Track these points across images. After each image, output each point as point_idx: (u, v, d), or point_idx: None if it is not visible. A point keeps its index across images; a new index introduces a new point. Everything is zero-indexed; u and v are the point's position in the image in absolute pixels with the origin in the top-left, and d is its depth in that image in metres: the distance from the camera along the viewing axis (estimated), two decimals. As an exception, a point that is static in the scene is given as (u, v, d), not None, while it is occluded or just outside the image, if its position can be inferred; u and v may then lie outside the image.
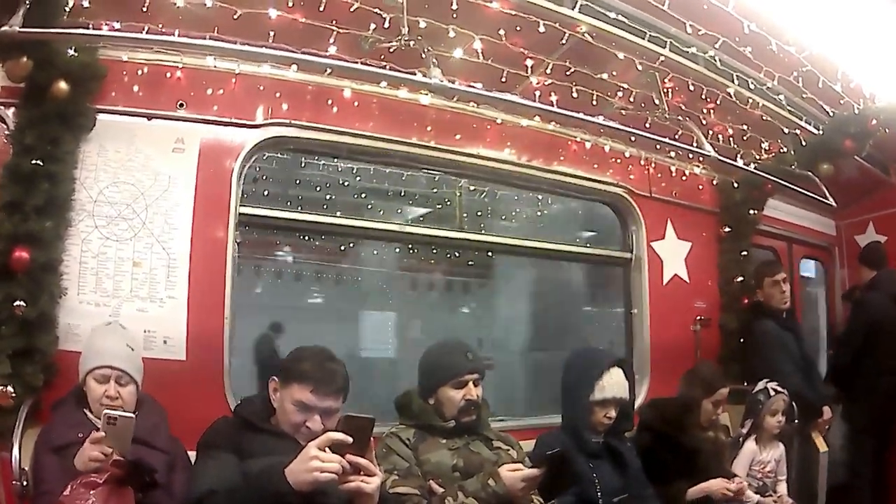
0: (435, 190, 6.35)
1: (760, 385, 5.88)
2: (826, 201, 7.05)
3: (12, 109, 4.38)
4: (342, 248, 6.67)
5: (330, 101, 5.32)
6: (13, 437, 3.87)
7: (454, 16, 4.81)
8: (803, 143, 6.98)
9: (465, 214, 6.11)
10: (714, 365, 6.25)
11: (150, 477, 3.44)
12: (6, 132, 4.36)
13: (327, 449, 3.15)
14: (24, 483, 3.73)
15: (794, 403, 6.09)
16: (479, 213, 6.68)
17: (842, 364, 7.57)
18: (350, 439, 3.16)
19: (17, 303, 4.06)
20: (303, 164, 5.78)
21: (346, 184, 6.09)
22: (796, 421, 6.25)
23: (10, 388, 3.98)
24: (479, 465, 4.35)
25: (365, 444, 3.25)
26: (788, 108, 6.50)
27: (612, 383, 4.94)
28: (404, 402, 4.61)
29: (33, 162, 4.19)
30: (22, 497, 3.72)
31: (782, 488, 5.75)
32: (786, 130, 6.77)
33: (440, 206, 6.36)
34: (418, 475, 4.21)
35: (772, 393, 5.78)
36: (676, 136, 6.20)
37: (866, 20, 5.40)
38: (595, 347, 5.29)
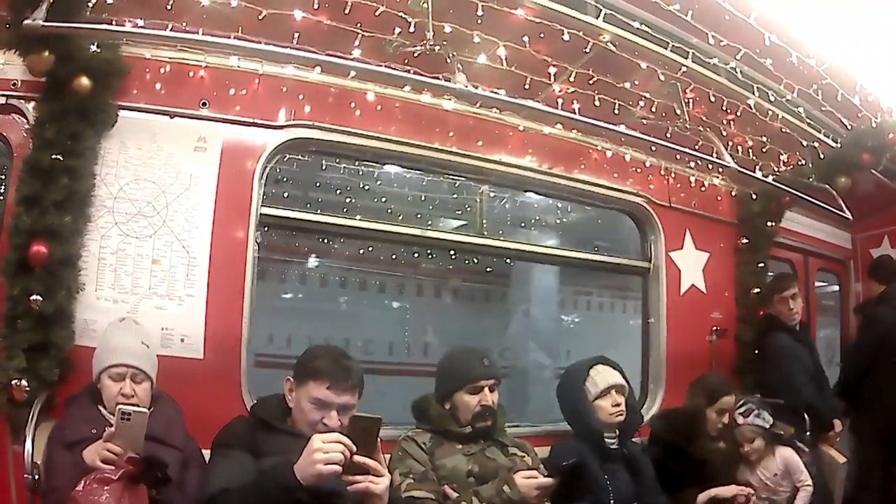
0: (456, 196, 6.33)
1: (734, 415, 5.81)
2: (842, 214, 7.04)
3: (33, 104, 4.38)
4: (361, 251, 6.65)
5: (353, 104, 5.30)
6: (26, 431, 3.86)
7: (479, 21, 4.81)
8: (821, 156, 7.00)
9: (485, 221, 6.09)
10: (720, 374, 6.23)
11: (162, 473, 3.44)
12: (26, 126, 4.37)
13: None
14: (36, 477, 3.73)
15: (805, 416, 6.08)
16: (499, 220, 6.66)
17: (850, 377, 7.55)
18: (354, 448, 3.17)
19: (33, 297, 4.04)
20: (324, 167, 5.75)
21: (366, 187, 6.07)
22: (808, 433, 6.23)
23: (24, 382, 3.96)
24: (494, 471, 4.37)
25: (372, 445, 3.28)
26: (807, 120, 6.50)
27: (602, 376, 5.10)
28: (422, 407, 4.65)
29: (53, 156, 4.17)
30: (33, 491, 3.73)
31: (802, 497, 5.60)
32: (804, 143, 6.78)
33: (461, 212, 6.34)
34: (434, 480, 4.25)
35: (737, 422, 5.72)
36: (697, 147, 6.19)
37: (885, 35, 5.40)
38: (577, 361, 5.32)
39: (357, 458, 3.19)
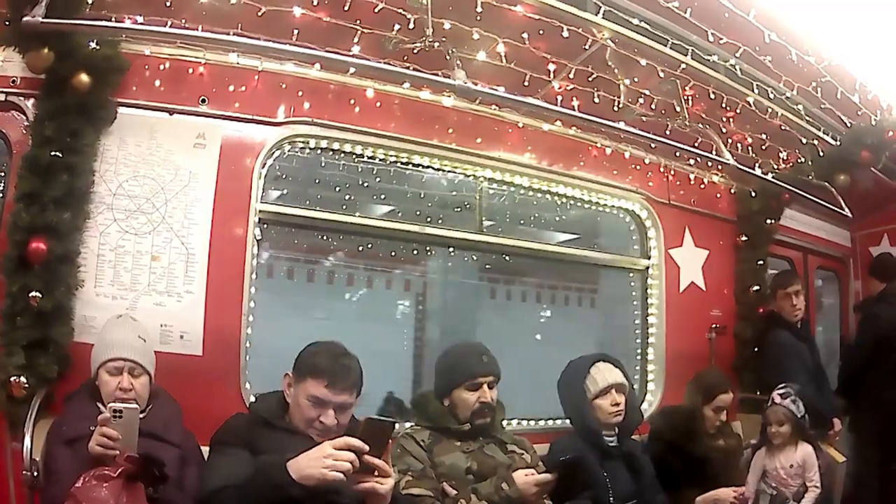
0: (455, 192, 6.31)
1: (773, 394, 5.83)
2: (842, 212, 7.03)
3: (32, 101, 4.39)
4: (360, 248, 6.63)
5: (352, 101, 5.32)
6: (25, 427, 3.88)
7: (478, 18, 4.79)
8: (821, 154, 6.97)
9: (484, 218, 6.09)
10: (717, 371, 6.22)
11: (160, 472, 3.44)
12: (26, 123, 4.39)
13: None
14: (35, 474, 3.74)
15: (806, 414, 6.07)
16: (497, 217, 6.63)
17: (850, 376, 7.55)
18: (367, 447, 3.19)
19: (33, 294, 4.06)
20: (323, 164, 5.73)
21: (365, 184, 6.05)
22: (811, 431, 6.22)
23: (23, 379, 3.98)
24: (492, 468, 4.36)
25: (383, 447, 3.30)
26: (807, 118, 6.47)
27: (602, 374, 5.11)
28: (421, 404, 4.66)
29: (52, 153, 4.19)
30: (32, 487, 3.74)
31: (809, 498, 5.49)
32: (804, 140, 6.74)
33: (459, 209, 6.32)
34: (432, 477, 4.24)
35: (773, 401, 5.73)
36: (696, 144, 6.18)
37: (885, 32, 5.39)
38: (579, 357, 5.33)
39: (367, 458, 3.20)
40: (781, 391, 5.72)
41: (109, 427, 3.37)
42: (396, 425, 3.43)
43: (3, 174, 4.61)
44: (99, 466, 3.35)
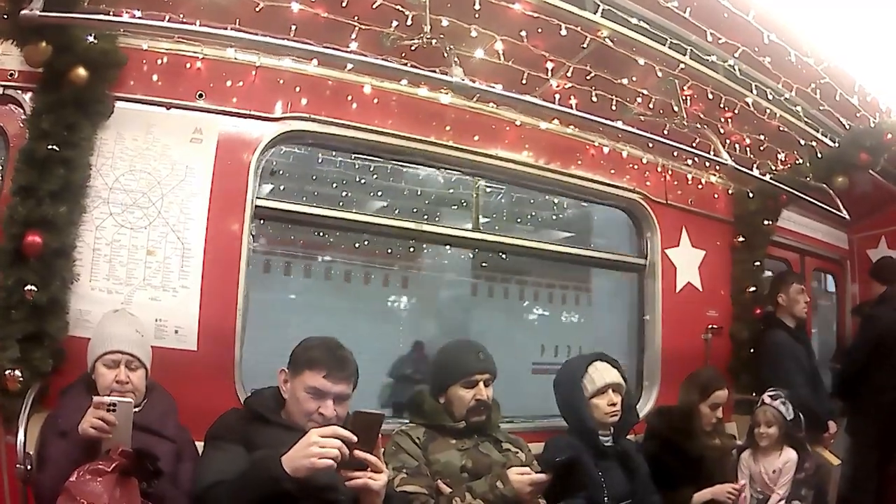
0: (452, 190, 6.31)
1: (763, 395, 5.83)
2: (840, 214, 7.02)
3: (30, 94, 4.38)
4: (356, 244, 6.63)
5: (349, 97, 5.30)
6: (19, 421, 3.86)
7: (476, 16, 4.80)
8: (819, 155, 6.96)
9: (481, 215, 6.07)
10: (712, 369, 6.23)
11: (153, 466, 3.43)
12: (23, 116, 4.36)
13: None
14: (29, 467, 3.72)
15: (801, 416, 6.06)
16: (494, 215, 6.63)
17: (848, 377, 7.54)
18: (355, 438, 3.18)
19: (28, 287, 4.05)
20: (320, 160, 5.73)
21: (362, 181, 6.05)
22: (803, 433, 6.21)
23: (17, 373, 3.97)
24: (487, 466, 4.36)
25: (373, 441, 3.29)
26: (805, 119, 6.47)
27: (600, 373, 5.10)
28: (416, 401, 4.63)
29: (49, 147, 4.17)
30: (26, 481, 3.72)
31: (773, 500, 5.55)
32: (802, 142, 6.75)
33: (456, 207, 6.31)
34: (427, 475, 4.23)
35: (763, 401, 5.73)
36: (694, 144, 6.18)
37: (884, 34, 5.39)
38: (576, 356, 5.33)
39: (357, 453, 3.19)
40: (771, 393, 5.73)
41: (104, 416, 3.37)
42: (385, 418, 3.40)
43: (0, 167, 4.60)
44: (93, 460, 3.36)
